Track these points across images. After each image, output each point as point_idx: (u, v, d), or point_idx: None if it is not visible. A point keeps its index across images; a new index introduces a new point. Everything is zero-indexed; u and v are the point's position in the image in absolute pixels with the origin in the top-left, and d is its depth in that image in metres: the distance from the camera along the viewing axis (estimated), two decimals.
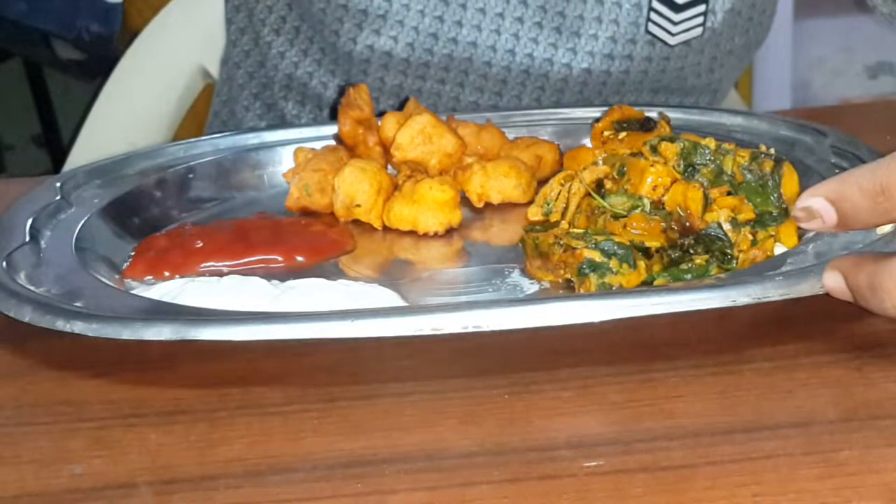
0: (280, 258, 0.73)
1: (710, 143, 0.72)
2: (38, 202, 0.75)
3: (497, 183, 0.80)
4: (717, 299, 0.59)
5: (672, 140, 0.72)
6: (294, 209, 0.81)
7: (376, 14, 0.95)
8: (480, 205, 0.81)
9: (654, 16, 0.95)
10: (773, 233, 0.69)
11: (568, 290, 0.67)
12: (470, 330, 0.58)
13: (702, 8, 0.96)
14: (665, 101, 1.02)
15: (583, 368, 0.61)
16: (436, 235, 0.77)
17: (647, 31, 0.96)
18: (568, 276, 0.67)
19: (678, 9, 0.95)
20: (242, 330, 0.58)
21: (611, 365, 0.61)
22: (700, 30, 0.97)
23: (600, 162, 0.74)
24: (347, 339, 0.58)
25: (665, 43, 0.97)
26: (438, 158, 0.81)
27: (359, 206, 0.78)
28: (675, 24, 0.96)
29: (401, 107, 0.90)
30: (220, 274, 0.71)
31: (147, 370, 0.63)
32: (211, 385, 0.62)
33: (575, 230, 0.70)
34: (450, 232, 0.78)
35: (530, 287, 0.69)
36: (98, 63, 1.37)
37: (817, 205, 0.55)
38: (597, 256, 0.66)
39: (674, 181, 0.69)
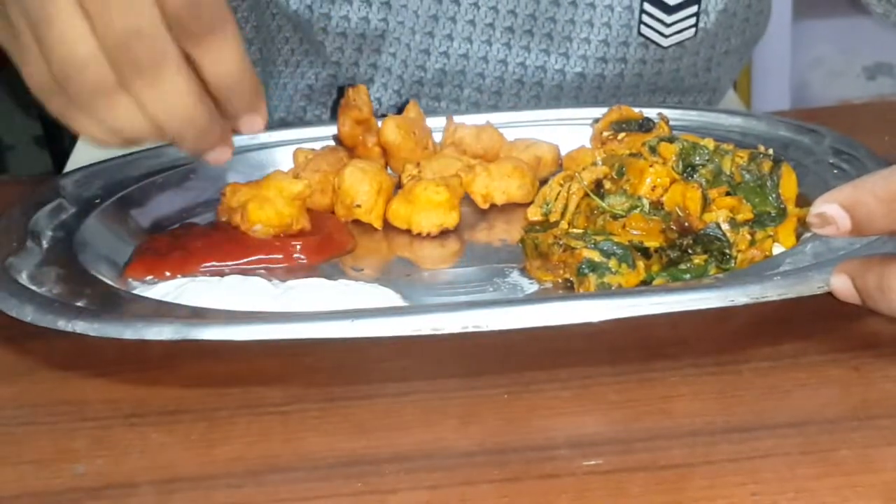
0: (281, 258, 0.73)
1: (709, 143, 0.72)
2: (38, 202, 0.76)
3: (501, 183, 0.81)
4: (715, 299, 0.59)
5: (671, 140, 0.72)
6: None
7: (374, 35, 0.96)
8: (486, 206, 0.81)
9: (646, 18, 0.95)
10: (771, 233, 0.69)
11: (567, 290, 0.68)
12: (470, 330, 0.58)
13: (694, 9, 0.96)
14: (663, 100, 1.03)
15: (583, 368, 0.61)
16: (433, 236, 0.77)
17: (640, 34, 0.96)
18: (567, 276, 0.68)
19: (670, 10, 0.95)
20: (243, 330, 0.58)
21: (610, 365, 0.61)
22: (693, 31, 0.97)
23: (599, 162, 0.74)
24: (347, 339, 0.58)
25: (658, 45, 0.97)
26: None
27: (359, 206, 0.78)
28: (667, 25, 0.96)
29: (400, 110, 0.90)
30: (221, 274, 0.71)
31: (148, 370, 0.64)
32: (211, 385, 0.62)
33: (574, 230, 0.70)
34: (450, 232, 0.78)
35: (530, 287, 0.69)
36: None
37: (832, 211, 0.55)
38: (596, 256, 0.66)
39: (672, 181, 0.70)
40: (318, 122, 1.03)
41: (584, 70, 0.97)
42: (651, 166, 0.70)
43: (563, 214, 0.73)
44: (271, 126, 0.79)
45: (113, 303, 0.64)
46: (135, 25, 0.56)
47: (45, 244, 0.71)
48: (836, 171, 0.76)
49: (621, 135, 0.82)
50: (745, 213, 0.69)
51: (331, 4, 0.94)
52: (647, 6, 0.95)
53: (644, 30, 0.96)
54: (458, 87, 0.99)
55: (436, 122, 0.87)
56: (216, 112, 0.61)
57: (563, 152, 0.85)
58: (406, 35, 0.95)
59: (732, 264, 0.67)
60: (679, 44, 0.98)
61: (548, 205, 0.75)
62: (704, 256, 0.67)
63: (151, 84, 0.57)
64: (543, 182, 0.79)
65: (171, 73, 0.57)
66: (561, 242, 0.68)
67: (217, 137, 0.62)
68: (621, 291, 0.65)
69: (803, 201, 0.71)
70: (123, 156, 0.84)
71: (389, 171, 0.83)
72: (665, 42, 0.97)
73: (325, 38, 0.96)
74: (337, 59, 0.97)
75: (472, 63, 0.97)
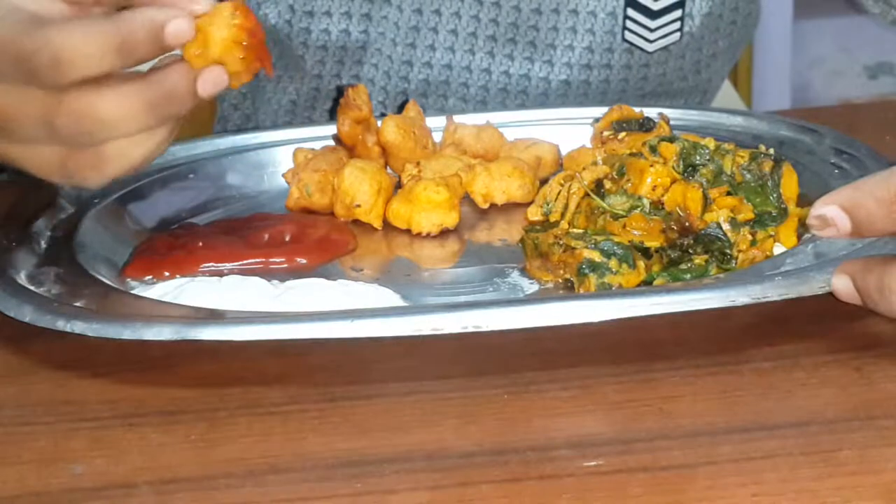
0: (281, 259, 0.73)
1: (710, 143, 0.72)
2: (37, 202, 0.75)
3: (501, 183, 0.80)
4: (716, 299, 0.59)
5: (671, 140, 0.72)
6: (294, 209, 0.81)
7: (355, 47, 0.96)
8: (486, 206, 0.81)
9: (629, 23, 0.95)
10: (772, 233, 0.69)
11: (568, 290, 0.67)
12: (470, 330, 0.58)
13: (678, 13, 0.96)
14: (654, 105, 1.02)
15: (582, 368, 0.61)
16: (433, 236, 0.77)
17: (624, 39, 0.95)
18: (568, 276, 0.68)
19: (654, 15, 0.95)
20: (242, 330, 0.58)
21: (610, 365, 0.61)
22: (678, 35, 0.97)
23: (600, 162, 0.74)
24: (347, 339, 0.58)
25: (643, 50, 0.96)
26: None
27: (359, 206, 0.78)
28: (651, 30, 0.95)
29: (400, 109, 0.90)
30: (221, 274, 0.71)
31: (147, 370, 0.63)
32: (211, 385, 0.62)
33: (574, 230, 0.70)
34: (451, 232, 0.78)
35: (530, 287, 0.69)
36: None
37: (832, 213, 0.55)
38: (596, 256, 0.66)
39: (673, 181, 0.69)
40: (318, 121, 1.03)
41: (569, 77, 0.96)
42: (652, 166, 0.70)
43: (563, 214, 0.73)
44: (267, 128, 0.80)
45: (112, 303, 0.64)
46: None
47: (43, 244, 0.71)
48: (836, 171, 0.76)
49: (622, 134, 0.82)
50: (746, 213, 0.69)
51: (310, 18, 0.94)
52: (630, 12, 0.94)
53: (628, 35, 0.95)
54: (442, 97, 0.98)
55: (436, 122, 0.87)
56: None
57: (564, 152, 0.85)
58: (388, 46, 0.95)
59: (733, 264, 0.67)
60: (664, 48, 0.97)
61: (548, 205, 0.75)
62: (705, 256, 0.67)
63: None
64: (544, 182, 0.79)
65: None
66: (561, 242, 0.68)
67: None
68: (621, 291, 0.65)
69: (804, 201, 0.71)
70: None
71: (389, 170, 0.83)
72: (650, 47, 0.96)
73: (305, 53, 0.96)
74: (318, 73, 0.97)
75: (455, 73, 0.97)
